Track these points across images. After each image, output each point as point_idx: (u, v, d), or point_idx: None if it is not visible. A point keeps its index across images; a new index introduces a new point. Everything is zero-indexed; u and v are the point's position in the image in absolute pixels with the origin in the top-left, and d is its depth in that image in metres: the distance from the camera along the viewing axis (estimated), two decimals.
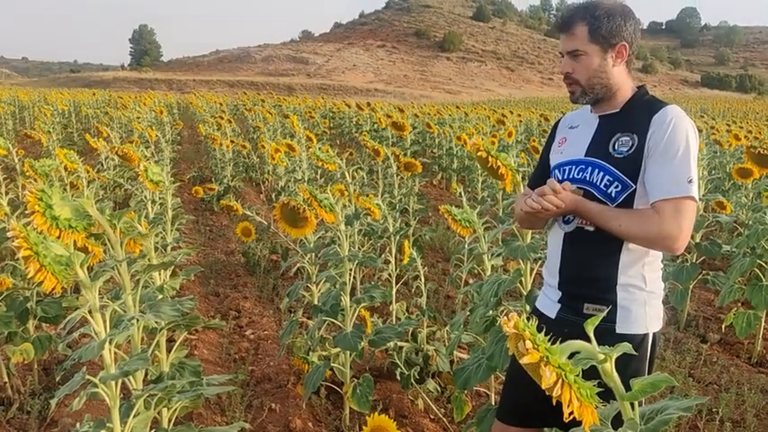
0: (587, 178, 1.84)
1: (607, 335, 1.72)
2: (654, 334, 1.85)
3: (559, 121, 2.12)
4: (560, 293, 1.95)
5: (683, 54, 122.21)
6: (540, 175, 2.05)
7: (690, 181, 1.72)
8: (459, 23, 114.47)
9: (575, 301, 1.90)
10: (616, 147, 1.81)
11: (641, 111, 1.82)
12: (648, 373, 1.83)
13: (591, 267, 1.87)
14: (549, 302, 2.00)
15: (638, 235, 1.75)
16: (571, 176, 1.89)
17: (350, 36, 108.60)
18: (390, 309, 3.95)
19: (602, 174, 1.81)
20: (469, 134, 10.07)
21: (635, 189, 1.78)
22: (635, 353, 1.03)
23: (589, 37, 1.81)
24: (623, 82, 1.87)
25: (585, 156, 1.87)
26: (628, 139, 1.80)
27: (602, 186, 1.81)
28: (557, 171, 1.95)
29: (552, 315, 1.96)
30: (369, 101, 26.52)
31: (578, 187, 1.86)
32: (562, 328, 1.79)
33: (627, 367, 1.65)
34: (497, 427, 2.14)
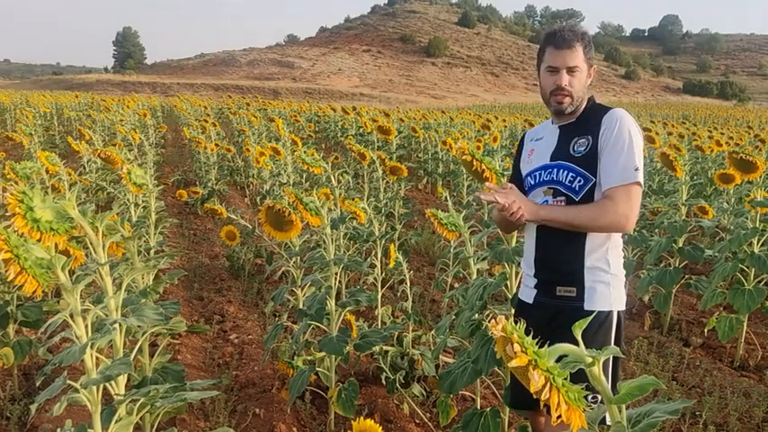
0: (554, 178, 2.14)
1: (575, 312, 2.03)
2: (618, 312, 2.12)
3: (524, 135, 2.42)
4: (536, 280, 2.22)
5: (665, 61, 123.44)
6: (514, 183, 2.29)
7: (636, 169, 2.02)
8: (444, 29, 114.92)
9: (548, 286, 2.17)
10: (575, 148, 2.12)
11: (593, 115, 2.14)
12: None
13: (560, 254, 2.15)
14: (527, 290, 2.26)
15: (598, 219, 2.03)
16: (541, 180, 2.18)
17: (335, 40, 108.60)
18: (376, 313, 3.94)
19: (566, 172, 2.12)
20: (455, 139, 10.09)
21: (595, 182, 2.07)
22: (622, 356, 1.05)
23: (584, 56, 2.11)
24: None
25: (551, 160, 2.17)
26: (584, 140, 2.11)
27: (566, 182, 2.11)
28: (529, 178, 2.23)
29: (530, 301, 2.23)
30: (354, 105, 26.51)
31: (549, 188, 2.15)
32: (539, 311, 2.17)
33: (593, 340, 1.99)
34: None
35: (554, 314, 2.12)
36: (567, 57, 2.08)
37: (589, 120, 2.14)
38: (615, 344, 2.08)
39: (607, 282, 2.09)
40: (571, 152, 2.12)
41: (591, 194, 2.08)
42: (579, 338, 1.00)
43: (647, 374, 1.06)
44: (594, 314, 1.75)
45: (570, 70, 2.09)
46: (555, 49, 2.10)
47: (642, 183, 2.05)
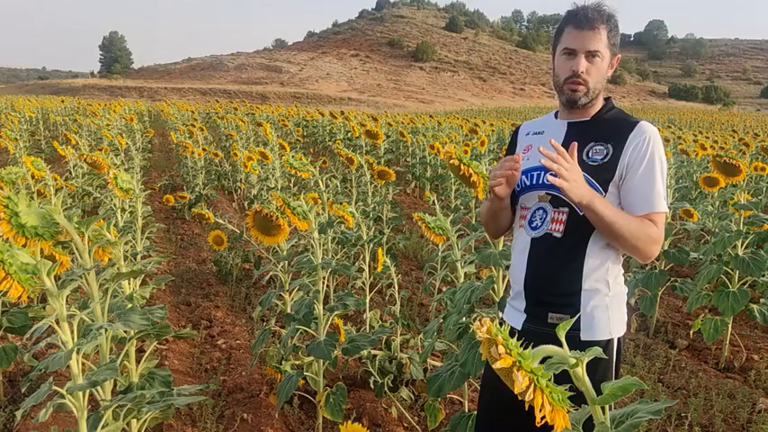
0: None
1: (571, 343, 1.58)
2: (618, 339, 1.86)
3: (518, 129, 2.12)
4: (526, 302, 1.94)
5: (651, 66, 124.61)
6: None
7: (665, 197, 1.82)
8: (432, 34, 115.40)
9: (540, 310, 1.89)
10: (590, 155, 1.82)
11: (614, 123, 1.86)
12: (616, 378, 1.84)
13: (556, 274, 1.86)
14: (516, 313, 1.98)
15: (639, 238, 1.75)
16: (541, 181, 1.88)
17: (323, 45, 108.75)
18: (364, 317, 3.94)
19: None
20: (443, 143, 10.12)
21: (604, 197, 1.78)
22: (604, 356, 1.04)
23: (607, 41, 1.81)
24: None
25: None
26: (602, 148, 1.82)
27: None
28: (524, 177, 1.92)
29: (518, 326, 1.95)
30: (342, 110, 26.56)
31: (546, 193, 1.87)
32: (528, 340, 1.69)
33: (594, 373, 1.60)
34: None
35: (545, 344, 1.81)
36: (588, 39, 1.78)
37: (608, 126, 1.86)
38: (615, 372, 1.87)
39: (606, 306, 1.83)
40: (584, 158, 1.82)
41: None
42: (562, 339, 1.01)
43: (631, 377, 1.07)
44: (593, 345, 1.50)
45: (590, 55, 1.79)
46: (575, 28, 1.80)
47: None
